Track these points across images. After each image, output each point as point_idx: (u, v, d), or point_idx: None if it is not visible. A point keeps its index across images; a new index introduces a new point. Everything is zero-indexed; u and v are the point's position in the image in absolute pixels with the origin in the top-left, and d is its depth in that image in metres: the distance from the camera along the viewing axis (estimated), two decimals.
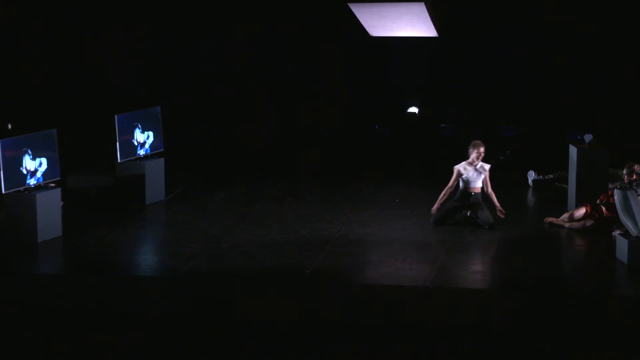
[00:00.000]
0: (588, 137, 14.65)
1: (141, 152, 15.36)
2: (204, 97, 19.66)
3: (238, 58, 19.43)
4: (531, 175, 16.50)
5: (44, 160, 13.45)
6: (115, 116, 15.03)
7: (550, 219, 14.14)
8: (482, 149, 13.74)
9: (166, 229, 14.31)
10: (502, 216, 13.77)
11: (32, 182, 13.27)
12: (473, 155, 13.78)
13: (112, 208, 14.95)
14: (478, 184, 13.80)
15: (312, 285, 11.62)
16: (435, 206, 13.87)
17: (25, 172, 13.19)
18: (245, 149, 18.93)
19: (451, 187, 13.82)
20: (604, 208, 13.65)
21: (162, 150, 15.79)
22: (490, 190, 13.84)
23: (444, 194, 13.85)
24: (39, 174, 13.38)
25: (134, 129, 15.22)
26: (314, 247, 12.95)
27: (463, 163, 13.87)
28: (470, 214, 13.86)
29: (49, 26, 18.82)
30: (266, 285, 11.56)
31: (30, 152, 13.28)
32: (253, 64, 19.50)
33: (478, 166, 13.76)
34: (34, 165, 13.32)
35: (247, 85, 19.60)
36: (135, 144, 15.24)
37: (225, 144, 19.24)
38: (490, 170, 13.94)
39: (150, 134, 15.47)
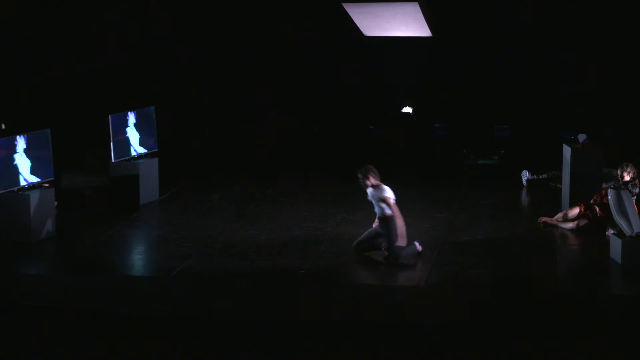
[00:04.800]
0: (582, 137, 14.67)
1: (133, 140, 15.28)
2: (199, 97, 19.64)
3: (235, 58, 19.43)
4: (525, 175, 16.51)
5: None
6: (109, 116, 15.01)
7: (544, 219, 14.15)
8: (362, 175, 12.18)
9: (160, 229, 14.29)
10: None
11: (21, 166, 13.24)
12: None
13: (106, 208, 14.93)
14: (376, 209, 12.37)
15: (307, 285, 11.61)
16: None
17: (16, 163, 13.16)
18: (240, 149, 18.93)
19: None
20: (597, 208, 13.67)
21: (156, 150, 15.77)
22: (395, 214, 12.10)
23: None
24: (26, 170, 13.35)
25: (126, 115, 15.17)
26: (308, 247, 12.96)
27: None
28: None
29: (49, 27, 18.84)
30: (260, 285, 11.55)
31: (25, 138, 13.27)
32: (250, 63, 19.50)
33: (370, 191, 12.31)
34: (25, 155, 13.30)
35: (245, 86, 19.59)
36: (127, 136, 15.20)
37: (219, 143, 19.23)
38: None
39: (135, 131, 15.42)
